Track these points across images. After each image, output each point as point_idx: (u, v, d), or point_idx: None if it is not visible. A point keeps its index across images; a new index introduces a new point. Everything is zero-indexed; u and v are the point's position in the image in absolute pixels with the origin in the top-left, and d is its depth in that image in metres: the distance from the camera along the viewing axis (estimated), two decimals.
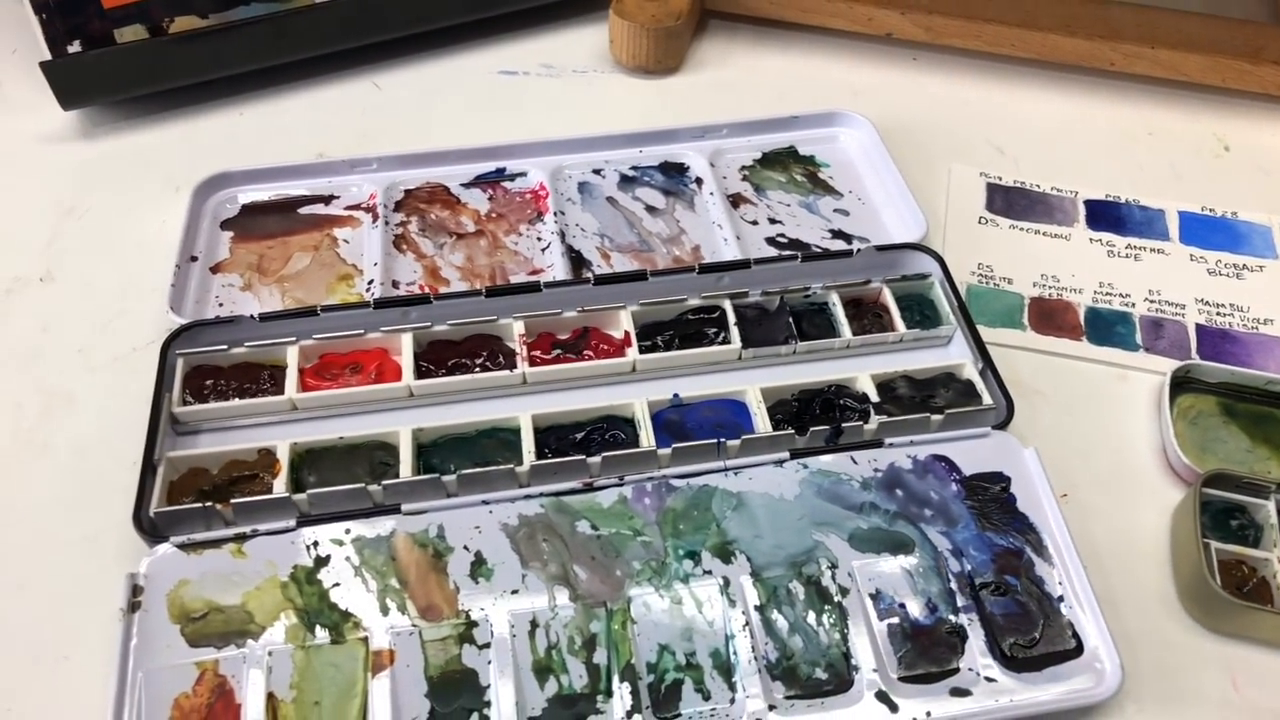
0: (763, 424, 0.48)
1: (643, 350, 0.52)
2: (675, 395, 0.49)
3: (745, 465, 0.46)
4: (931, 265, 0.55)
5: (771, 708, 0.40)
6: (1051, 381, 0.53)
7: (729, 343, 0.52)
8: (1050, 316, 0.56)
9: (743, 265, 0.54)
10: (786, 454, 0.46)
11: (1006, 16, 0.68)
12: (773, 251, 0.57)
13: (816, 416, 0.49)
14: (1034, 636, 0.42)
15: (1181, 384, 0.52)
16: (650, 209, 0.60)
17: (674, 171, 0.62)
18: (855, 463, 0.46)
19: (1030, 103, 0.68)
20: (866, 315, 0.54)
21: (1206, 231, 0.60)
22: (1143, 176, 0.64)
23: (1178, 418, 0.51)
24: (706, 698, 0.40)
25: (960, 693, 0.40)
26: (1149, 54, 0.67)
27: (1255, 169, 0.64)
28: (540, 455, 0.47)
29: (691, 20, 0.71)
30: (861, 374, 0.50)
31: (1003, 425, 0.48)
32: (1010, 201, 0.62)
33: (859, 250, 0.55)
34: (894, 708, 0.40)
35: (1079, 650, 0.42)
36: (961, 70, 0.70)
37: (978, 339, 0.52)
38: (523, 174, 0.62)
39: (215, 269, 0.56)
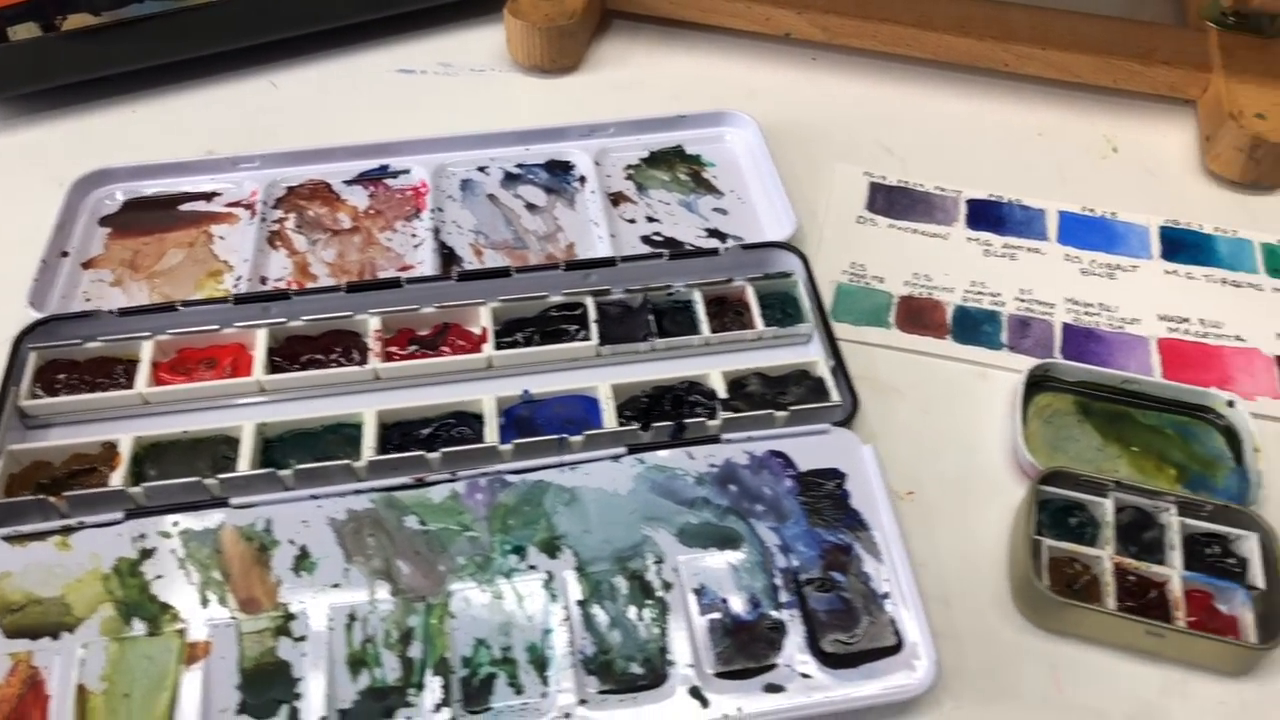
0: (610, 420, 0.48)
1: (504, 347, 0.52)
2: (525, 391, 0.50)
3: (581, 461, 0.46)
4: (795, 264, 0.55)
5: (582, 702, 0.40)
6: (911, 380, 0.53)
7: (589, 340, 0.52)
8: (918, 315, 0.56)
9: (608, 263, 0.54)
10: (624, 449, 0.46)
11: (902, 17, 0.68)
12: (645, 250, 0.57)
13: (666, 413, 0.49)
14: (856, 633, 0.42)
15: (1040, 383, 0.52)
16: (530, 206, 0.60)
17: (559, 170, 0.62)
18: (692, 458, 0.46)
19: (924, 103, 0.68)
20: (729, 313, 0.54)
21: (1084, 231, 0.60)
22: (1029, 177, 0.64)
23: (1033, 416, 0.51)
24: (519, 692, 0.40)
25: (774, 689, 0.40)
26: (1040, 55, 0.67)
27: (1141, 170, 0.64)
28: (385, 451, 0.47)
29: (589, 20, 0.71)
30: (716, 371, 0.50)
31: (845, 422, 0.48)
32: (892, 201, 0.62)
33: (725, 249, 0.55)
34: (705, 703, 0.40)
35: (899, 647, 0.42)
36: (859, 71, 0.71)
37: (831, 337, 0.52)
38: (406, 171, 0.62)
39: (87, 265, 0.56)
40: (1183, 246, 0.59)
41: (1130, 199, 0.62)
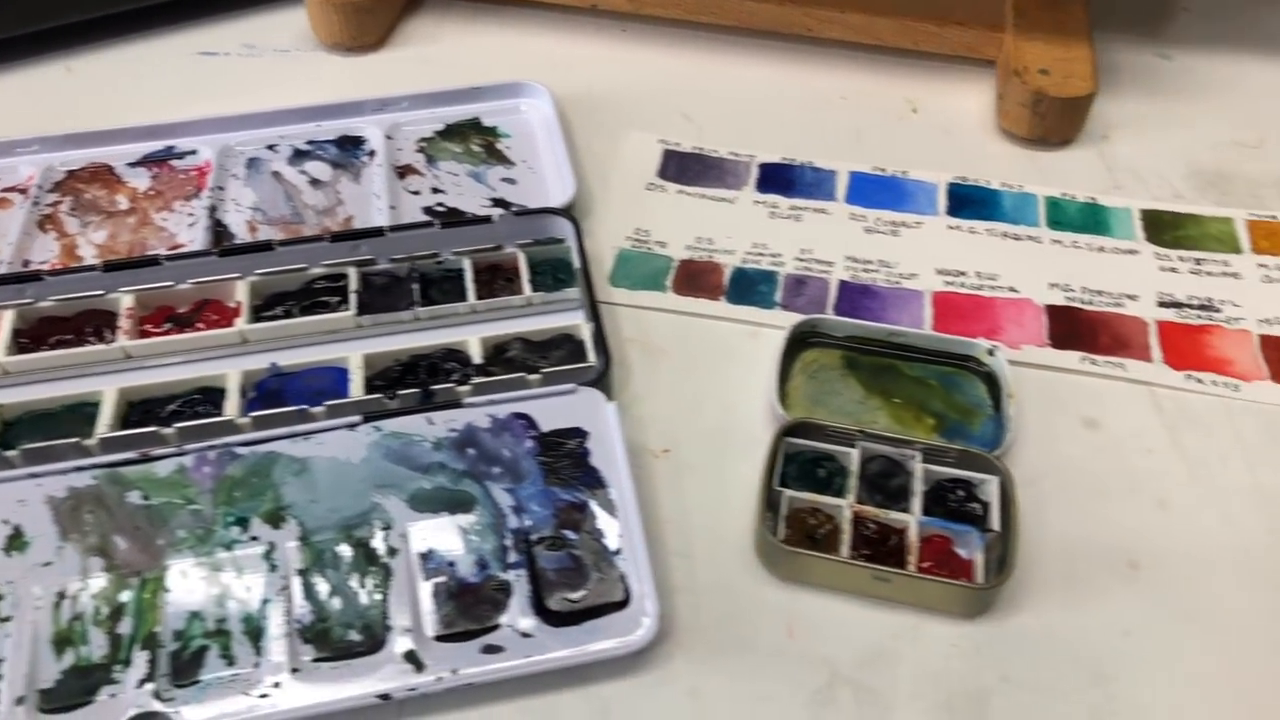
0: (357, 390, 0.47)
1: (264, 320, 0.51)
2: (273, 365, 0.49)
3: (315, 431, 0.45)
4: (568, 230, 0.54)
5: (294, 670, 0.39)
6: (682, 341, 0.53)
7: (348, 310, 0.51)
8: (695, 278, 0.55)
9: (377, 233, 0.54)
10: (359, 418, 0.46)
11: None
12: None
13: (419, 382, 0.48)
14: (584, 590, 0.42)
15: (808, 339, 0.52)
16: (314, 182, 0.59)
17: (350, 145, 0.62)
18: (432, 424, 0.46)
19: (729, 71, 0.68)
20: (499, 281, 0.54)
21: (872, 190, 0.60)
22: (826, 140, 0.64)
23: (798, 372, 0.51)
24: (231, 663, 0.39)
25: (493, 650, 0.40)
26: (841, 18, 0.67)
27: (938, 130, 0.64)
28: (127, 428, 0.46)
29: None
30: (474, 338, 0.50)
31: (597, 383, 0.48)
32: (684, 167, 0.61)
33: (499, 217, 0.55)
34: (420, 667, 0.39)
35: (626, 602, 0.41)
36: (667, 41, 0.70)
37: (593, 300, 0.51)
38: (192, 152, 0.61)
39: None
40: (969, 202, 0.59)
41: (925, 158, 0.62)
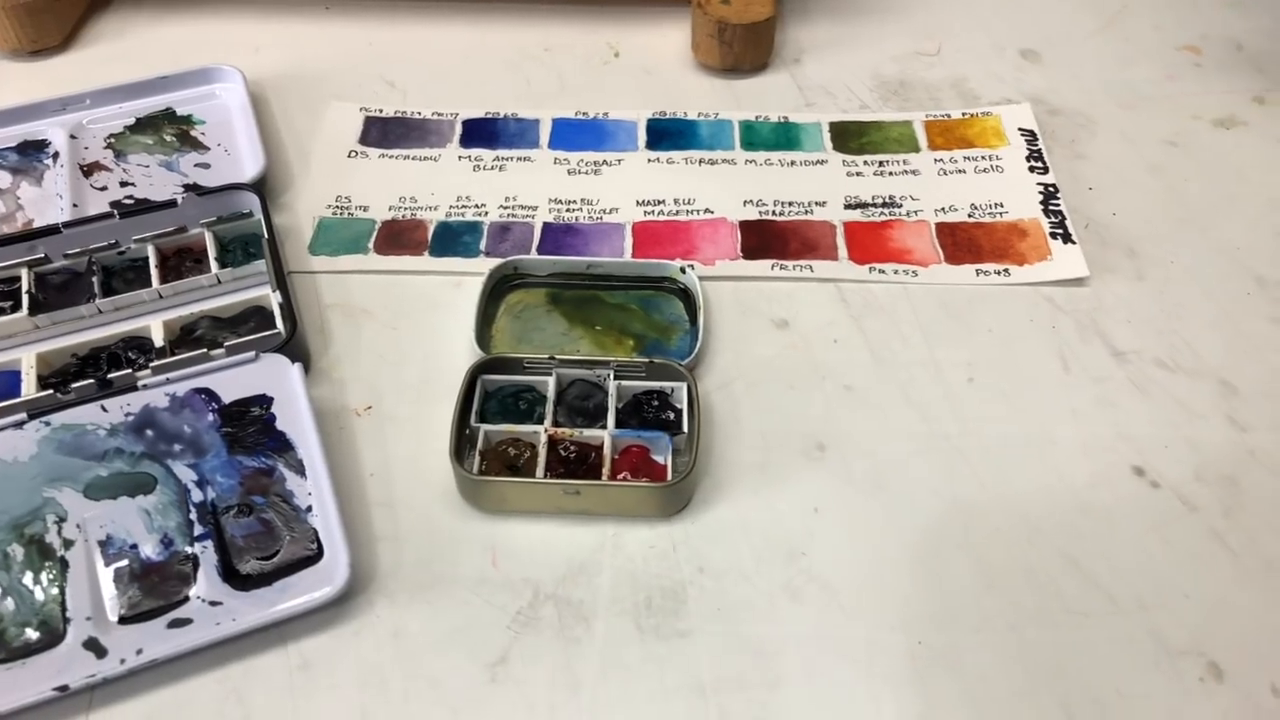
0: (29, 389, 0.45)
1: None
2: None
3: None
4: (255, 204, 0.53)
5: None
6: (384, 299, 0.52)
7: (20, 312, 0.49)
8: (398, 237, 0.55)
9: (53, 231, 0.51)
10: (24, 415, 0.44)
11: None
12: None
13: (100, 373, 0.47)
14: (275, 550, 0.41)
15: (512, 282, 0.53)
16: None
17: (31, 150, 0.59)
18: (105, 410, 0.44)
19: (433, 37, 0.68)
20: (188, 263, 0.52)
21: (575, 134, 0.61)
22: (529, 91, 0.64)
23: (503, 314, 0.52)
24: None
25: (180, 623, 0.39)
26: None
27: (639, 70, 0.66)
28: None
29: None
30: (157, 322, 0.48)
31: (282, 349, 0.47)
32: (386, 131, 0.61)
33: (183, 199, 0.53)
34: (102, 652, 0.38)
35: (318, 557, 0.41)
36: (370, 14, 0.70)
37: (279, 269, 0.50)
38: None
39: None
40: (666, 135, 0.61)
41: (626, 99, 0.64)
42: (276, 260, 0.51)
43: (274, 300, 0.49)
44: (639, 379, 0.47)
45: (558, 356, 0.47)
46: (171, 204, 0.53)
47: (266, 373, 0.46)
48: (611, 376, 0.47)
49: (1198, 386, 0.49)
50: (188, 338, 0.48)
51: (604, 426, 0.46)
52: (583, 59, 0.67)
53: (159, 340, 0.48)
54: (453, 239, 0.55)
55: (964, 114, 0.62)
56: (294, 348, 0.47)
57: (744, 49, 0.64)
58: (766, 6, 0.63)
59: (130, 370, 0.46)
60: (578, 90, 0.64)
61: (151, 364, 0.46)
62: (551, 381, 0.47)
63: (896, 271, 0.54)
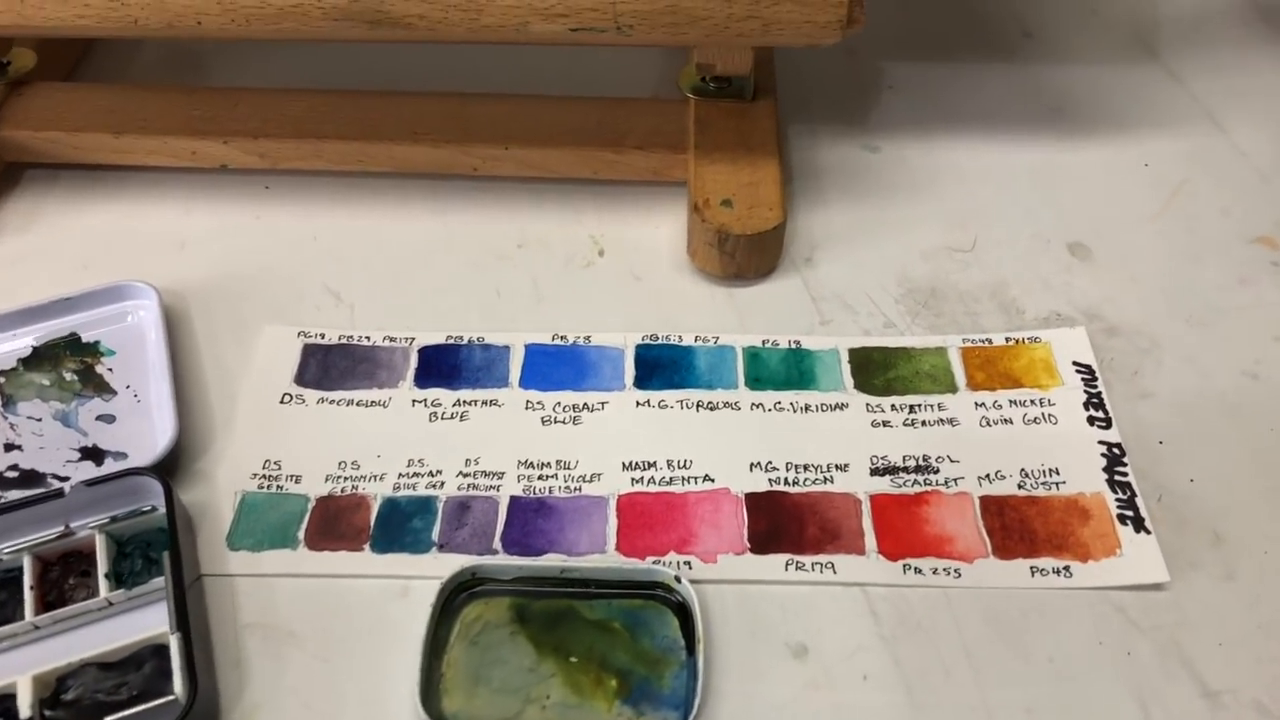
0: None
1: None
2: None
3: None
4: (159, 493, 0.44)
5: None
6: (315, 616, 0.43)
7: None
8: (334, 522, 0.46)
9: None
10: None
11: (348, 130, 0.59)
12: None
13: None
14: None
15: (469, 589, 0.43)
16: None
17: None
18: None
19: (388, 227, 0.59)
20: (74, 575, 0.43)
21: (551, 366, 0.52)
22: (499, 304, 0.55)
23: (458, 639, 0.42)
24: None
25: None
26: (507, 155, 0.58)
27: (628, 275, 0.57)
28: None
29: None
30: (25, 678, 0.39)
31: None
32: (328, 366, 0.52)
33: (70, 488, 0.44)
34: None
35: None
36: (316, 196, 0.60)
37: (179, 591, 0.41)
38: None
39: None
40: (659, 367, 0.52)
41: (612, 313, 0.54)
42: (179, 584, 0.41)
43: (173, 644, 0.40)
44: None
45: None
46: (58, 494, 0.44)
47: None
48: None
49: None
50: (59, 699, 0.39)
51: None
52: (562, 260, 0.57)
53: (26, 708, 0.38)
54: (400, 525, 0.46)
55: (1008, 339, 0.53)
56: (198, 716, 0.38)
57: (748, 259, 0.54)
58: (775, 210, 0.54)
59: None
60: (556, 301, 0.55)
61: None
62: None
63: (936, 571, 0.44)
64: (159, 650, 0.40)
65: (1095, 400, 0.50)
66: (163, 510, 0.44)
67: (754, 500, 0.47)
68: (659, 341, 0.53)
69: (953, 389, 0.51)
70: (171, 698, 0.38)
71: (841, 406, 0.50)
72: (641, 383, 0.51)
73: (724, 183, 0.55)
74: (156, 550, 0.43)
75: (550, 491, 0.47)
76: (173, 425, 0.47)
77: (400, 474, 0.48)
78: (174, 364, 0.50)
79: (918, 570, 0.44)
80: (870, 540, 0.45)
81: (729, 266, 0.55)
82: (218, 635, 0.42)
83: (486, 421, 0.50)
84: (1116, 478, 0.47)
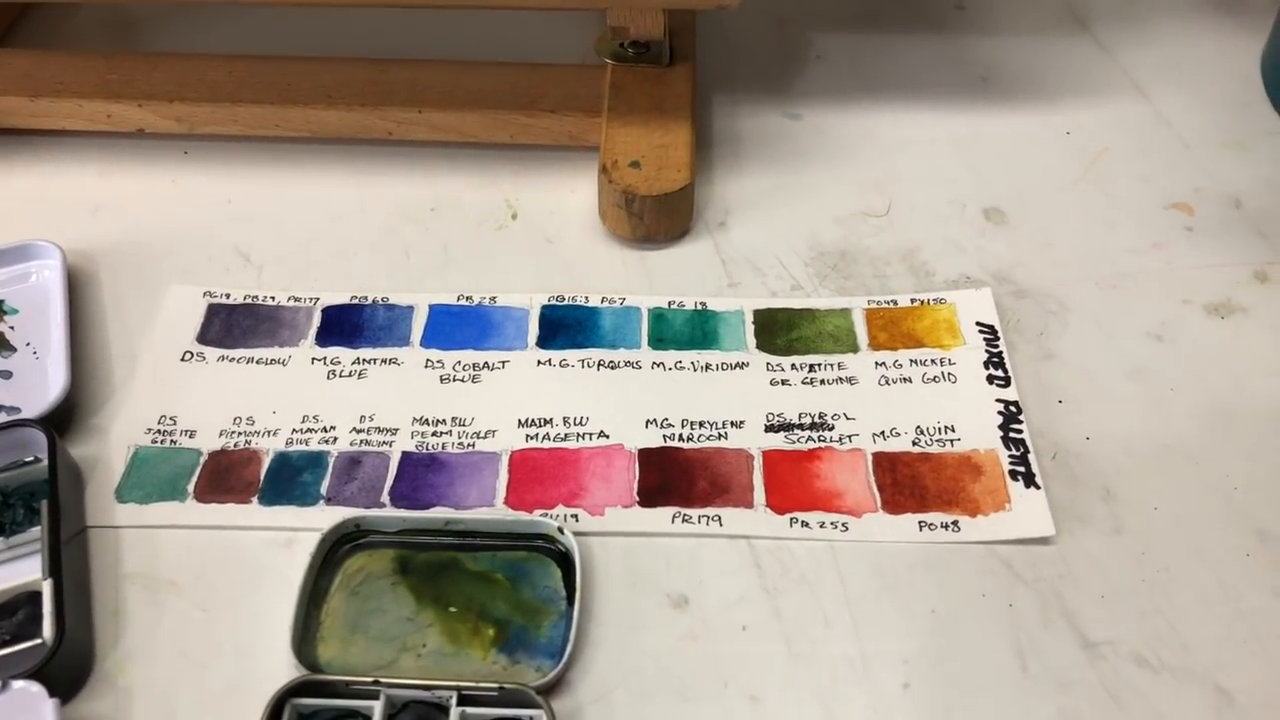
0: None
1: None
2: None
3: None
4: (42, 445, 0.44)
5: None
6: (197, 567, 0.43)
7: None
8: (224, 476, 0.46)
9: None
10: None
11: (264, 95, 0.58)
12: None
13: None
14: None
15: (353, 540, 0.43)
16: None
17: None
18: None
19: (304, 191, 0.59)
20: None
21: (454, 326, 0.52)
22: (407, 266, 0.55)
23: (339, 589, 0.42)
24: None
25: None
26: (421, 118, 0.58)
27: (540, 238, 0.57)
28: None
29: None
30: None
31: (44, 669, 0.37)
32: (232, 324, 0.52)
33: None
34: None
35: None
36: (234, 161, 0.60)
37: (54, 544, 0.41)
38: None
39: None
40: (563, 327, 0.52)
41: (520, 276, 0.54)
42: (55, 532, 0.41)
43: (45, 590, 0.40)
44: (489, 705, 0.38)
45: (383, 680, 0.38)
46: None
47: (14, 709, 0.36)
48: (455, 701, 0.37)
49: (1185, 694, 0.40)
50: None
51: None
52: (474, 223, 0.57)
53: None
54: (290, 479, 0.46)
55: (913, 300, 0.53)
56: (58, 668, 0.38)
57: (656, 221, 0.54)
58: (682, 173, 0.54)
59: None
60: (464, 263, 0.55)
61: None
62: (378, 707, 0.37)
63: (824, 525, 0.44)
64: (33, 597, 0.40)
65: (996, 359, 0.50)
66: (40, 462, 0.43)
67: (646, 456, 0.47)
68: (564, 302, 0.53)
69: (854, 349, 0.51)
70: (38, 641, 0.38)
71: (742, 365, 0.50)
72: (545, 342, 0.51)
73: (634, 145, 0.55)
74: (40, 501, 0.43)
75: (444, 448, 0.47)
76: (64, 378, 0.46)
77: (294, 429, 0.47)
78: (73, 322, 0.50)
79: (805, 524, 0.44)
80: (759, 495, 0.45)
81: (638, 229, 0.55)
82: (99, 585, 0.42)
83: (384, 379, 0.50)
84: (1011, 435, 0.47)
